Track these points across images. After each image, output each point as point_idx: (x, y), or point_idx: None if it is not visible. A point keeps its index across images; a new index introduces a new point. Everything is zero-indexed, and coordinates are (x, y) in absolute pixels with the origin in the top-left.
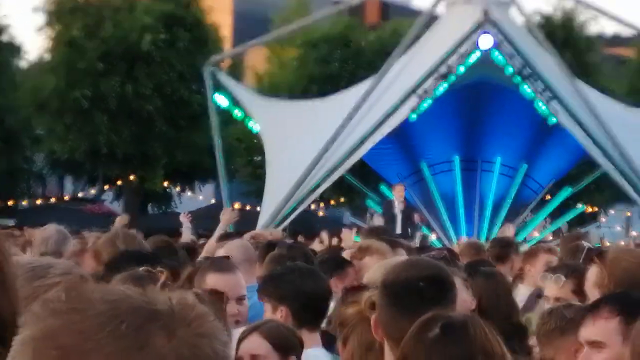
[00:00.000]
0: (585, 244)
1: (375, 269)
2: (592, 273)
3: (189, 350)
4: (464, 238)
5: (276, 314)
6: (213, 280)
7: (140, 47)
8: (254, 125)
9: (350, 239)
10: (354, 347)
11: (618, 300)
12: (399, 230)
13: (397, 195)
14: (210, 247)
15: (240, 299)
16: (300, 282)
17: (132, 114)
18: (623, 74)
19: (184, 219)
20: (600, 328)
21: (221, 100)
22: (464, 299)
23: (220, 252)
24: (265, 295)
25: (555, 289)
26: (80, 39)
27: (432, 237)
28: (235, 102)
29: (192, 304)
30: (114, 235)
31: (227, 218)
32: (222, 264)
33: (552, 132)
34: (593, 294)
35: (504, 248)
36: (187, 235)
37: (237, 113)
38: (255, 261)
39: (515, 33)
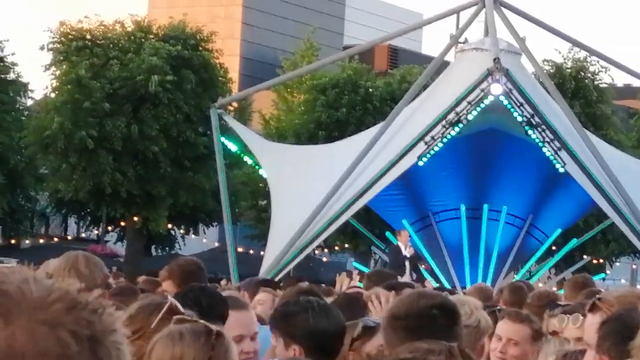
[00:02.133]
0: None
1: None
2: (596, 317)
3: (24, 338)
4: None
5: (289, 351)
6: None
7: (146, 88)
8: (260, 170)
9: (345, 284)
10: None
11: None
12: (407, 277)
13: (402, 241)
14: None
15: (253, 337)
16: (314, 321)
17: (137, 155)
18: (632, 126)
19: None
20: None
21: (230, 145)
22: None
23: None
24: (278, 332)
25: (574, 329)
26: (87, 78)
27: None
28: (242, 145)
29: (65, 289)
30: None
31: None
32: (237, 302)
33: (559, 182)
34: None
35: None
36: None
37: (246, 158)
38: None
39: (525, 82)
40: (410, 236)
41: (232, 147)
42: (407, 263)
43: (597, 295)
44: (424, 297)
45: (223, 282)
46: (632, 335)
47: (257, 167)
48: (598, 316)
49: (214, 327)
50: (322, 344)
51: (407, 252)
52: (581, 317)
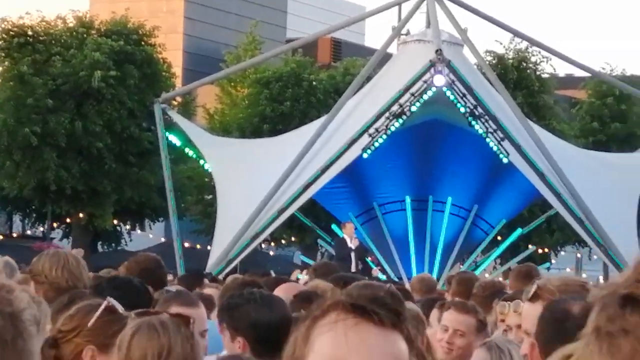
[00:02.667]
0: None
1: None
2: (537, 306)
3: None
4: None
5: (234, 343)
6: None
7: (90, 84)
8: (205, 165)
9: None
10: None
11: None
12: (353, 268)
13: (348, 233)
14: None
15: (203, 333)
16: (256, 312)
17: (81, 151)
18: (575, 116)
19: None
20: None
21: (174, 140)
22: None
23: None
24: (224, 324)
25: (515, 316)
26: (29, 75)
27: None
28: (185, 139)
29: None
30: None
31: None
32: (187, 298)
33: (503, 172)
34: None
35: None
36: None
37: (189, 152)
38: None
39: (468, 73)
40: (355, 228)
41: (177, 141)
42: (352, 255)
43: (537, 283)
44: (369, 287)
45: (170, 278)
46: (567, 324)
47: (201, 161)
48: (538, 304)
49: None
50: (266, 335)
51: (352, 244)
52: (522, 304)
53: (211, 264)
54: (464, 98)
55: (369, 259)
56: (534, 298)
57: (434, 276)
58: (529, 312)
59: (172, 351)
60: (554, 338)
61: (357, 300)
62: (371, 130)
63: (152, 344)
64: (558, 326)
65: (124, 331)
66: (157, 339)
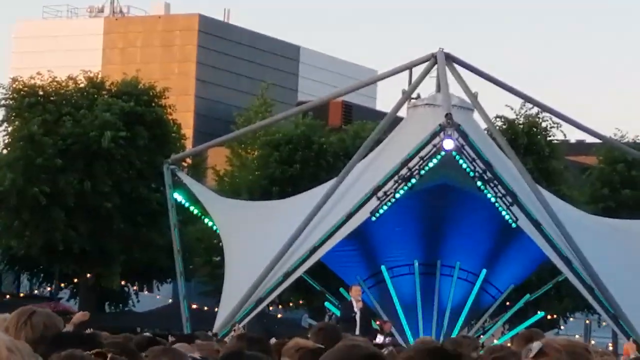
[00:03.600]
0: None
1: None
2: None
3: None
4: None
5: None
6: None
7: (100, 144)
8: (214, 226)
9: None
10: None
11: None
12: (357, 331)
13: (354, 295)
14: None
15: None
16: None
17: (90, 211)
18: (585, 182)
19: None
20: None
21: (178, 197)
22: None
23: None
24: None
25: None
26: (39, 134)
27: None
28: (194, 200)
29: None
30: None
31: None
32: (175, 355)
33: (512, 238)
34: None
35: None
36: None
37: (194, 210)
38: None
39: (478, 137)
40: (362, 291)
41: (185, 203)
42: (357, 318)
43: (543, 342)
44: (354, 347)
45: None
46: None
47: (210, 223)
48: None
49: None
50: None
51: (357, 307)
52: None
53: (218, 326)
54: (474, 162)
55: (376, 323)
56: (539, 355)
57: (442, 341)
58: None
59: None
60: None
61: None
62: (380, 194)
63: None
64: None
65: None
66: None
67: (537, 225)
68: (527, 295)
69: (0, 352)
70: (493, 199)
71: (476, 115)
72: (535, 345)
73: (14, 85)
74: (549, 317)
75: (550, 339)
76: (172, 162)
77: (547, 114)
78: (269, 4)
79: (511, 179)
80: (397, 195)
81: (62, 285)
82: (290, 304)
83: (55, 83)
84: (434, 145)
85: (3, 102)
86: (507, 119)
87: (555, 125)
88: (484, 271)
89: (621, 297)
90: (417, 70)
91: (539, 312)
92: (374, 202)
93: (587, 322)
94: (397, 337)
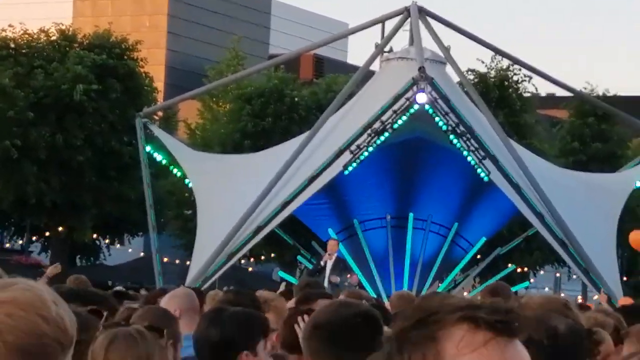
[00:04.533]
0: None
1: None
2: None
3: None
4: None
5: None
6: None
7: (71, 97)
8: (186, 180)
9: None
10: None
11: None
12: (326, 284)
13: (328, 249)
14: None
15: (175, 345)
16: (201, 328)
17: (62, 164)
18: (556, 135)
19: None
20: None
21: (156, 155)
22: None
23: (165, 299)
24: None
25: None
26: (11, 87)
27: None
28: (166, 153)
29: None
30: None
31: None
32: (160, 313)
33: (483, 191)
34: None
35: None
36: None
37: (170, 166)
38: (198, 310)
39: (450, 91)
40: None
41: (158, 156)
42: (326, 270)
43: (520, 301)
44: (346, 306)
45: (142, 292)
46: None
47: (182, 176)
48: None
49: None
50: (203, 353)
51: (324, 259)
52: None
53: (190, 279)
54: (446, 116)
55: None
56: None
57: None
58: None
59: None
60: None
61: (483, 313)
62: (353, 147)
63: (131, 352)
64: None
65: (97, 341)
66: (136, 348)
67: (509, 178)
68: (499, 249)
69: (49, 308)
70: (466, 153)
71: (449, 69)
72: None
73: None
74: (519, 270)
75: (528, 297)
76: (144, 115)
77: (518, 67)
78: None
79: (484, 133)
80: (370, 149)
81: (34, 238)
82: (262, 258)
83: (26, 35)
84: (407, 99)
85: None
86: (479, 72)
87: (527, 78)
88: (456, 224)
89: (592, 250)
90: (390, 24)
91: (509, 265)
92: (346, 156)
93: (557, 275)
94: (366, 289)
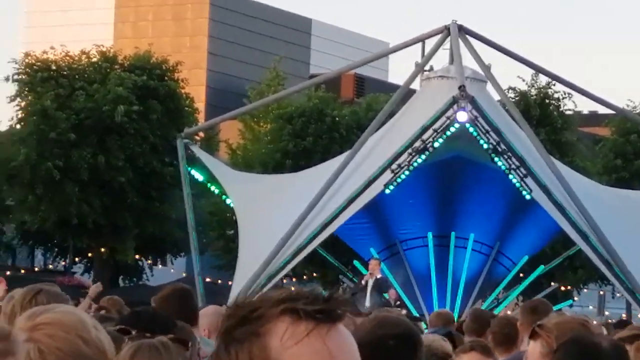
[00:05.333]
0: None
1: None
2: (537, 345)
3: None
4: None
5: None
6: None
7: (112, 119)
8: (227, 200)
9: None
10: None
11: None
12: (367, 303)
13: (370, 269)
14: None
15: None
16: None
17: (103, 185)
18: (598, 153)
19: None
20: None
21: (197, 175)
22: None
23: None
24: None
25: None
26: (52, 109)
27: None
28: (208, 174)
29: None
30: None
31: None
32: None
33: (525, 209)
34: None
35: (481, 322)
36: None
37: (212, 187)
38: None
39: (491, 109)
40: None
41: (199, 176)
42: (367, 290)
43: (538, 322)
44: (383, 327)
45: None
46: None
47: (223, 196)
48: (538, 343)
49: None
50: None
51: (365, 279)
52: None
53: (232, 300)
54: (487, 134)
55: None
56: (534, 336)
57: (456, 312)
58: (530, 350)
59: None
60: None
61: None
62: (394, 166)
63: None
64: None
65: (122, 352)
66: (159, 359)
67: (551, 196)
68: (541, 267)
69: (89, 331)
70: (507, 171)
71: (489, 87)
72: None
73: (27, 60)
74: (562, 288)
75: (547, 318)
76: (185, 136)
77: (559, 86)
78: None
79: (525, 151)
80: (411, 168)
81: (76, 259)
82: (305, 277)
83: (68, 57)
84: (448, 118)
85: (16, 76)
86: (520, 90)
87: (567, 96)
88: (498, 243)
89: (636, 268)
90: (430, 43)
91: (552, 283)
92: (387, 175)
93: (601, 293)
94: (407, 306)
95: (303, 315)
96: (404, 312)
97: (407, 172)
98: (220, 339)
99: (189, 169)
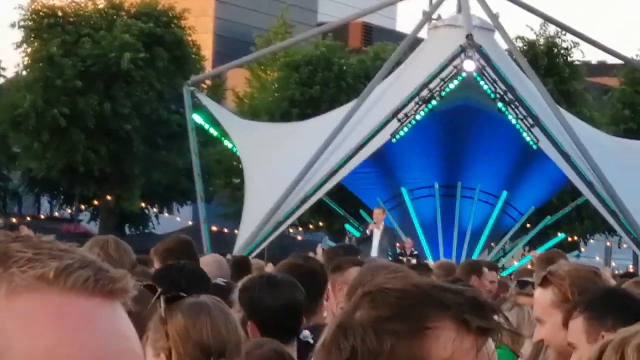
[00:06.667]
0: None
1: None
2: (547, 292)
3: None
4: None
5: (246, 327)
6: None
7: (119, 66)
8: (234, 148)
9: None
10: None
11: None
12: (374, 253)
13: (374, 217)
14: None
15: None
16: (258, 295)
17: (109, 133)
18: (606, 103)
19: None
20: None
21: (197, 119)
22: None
23: None
24: (240, 307)
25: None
26: (58, 56)
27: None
28: (214, 122)
29: None
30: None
31: None
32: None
33: (533, 159)
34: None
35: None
36: None
37: (212, 131)
38: (228, 277)
39: (499, 58)
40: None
41: (205, 125)
42: (373, 239)
43: (548, 269)
44: (385, 269)
45: None
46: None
47: (230, 145)
48: (549, 291)
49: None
50: (270, 319)
51: (369, 228)
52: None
53: (238, 248)
54: (494, 84)
55: (397, 246)
56: (544, 284)
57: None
58: (540, 299)
59: (226, 331)
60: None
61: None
62: (400, 115)
63: (194, 322)
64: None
65: (175, 315)
66: (195, 319)
67: (558, 146)
68: (548, 217)
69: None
70: (514, 121)
71: (497, 37)
72: (539, 275)
73: (33, 6)
74: (569, 239)
75: (556, 265)
76: (192, 83)
77: (568, 35)
78: None
79: (532, 101)
80: (418, 117)
81: (83, 207)
82: (310, 226)
83: (74, 4)
84: (455, 67)
85: (22, 23)
86: (527, 40)
87: (575, 45)
88: (505, 193)
89: None
90: None
91: (559, 234)
92: (394, 124)
93: (608, 244)
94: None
95: (473, 330)
96: (413, 261)
97: (413, 121)
98: (369, 327)
99: (196, 117)
